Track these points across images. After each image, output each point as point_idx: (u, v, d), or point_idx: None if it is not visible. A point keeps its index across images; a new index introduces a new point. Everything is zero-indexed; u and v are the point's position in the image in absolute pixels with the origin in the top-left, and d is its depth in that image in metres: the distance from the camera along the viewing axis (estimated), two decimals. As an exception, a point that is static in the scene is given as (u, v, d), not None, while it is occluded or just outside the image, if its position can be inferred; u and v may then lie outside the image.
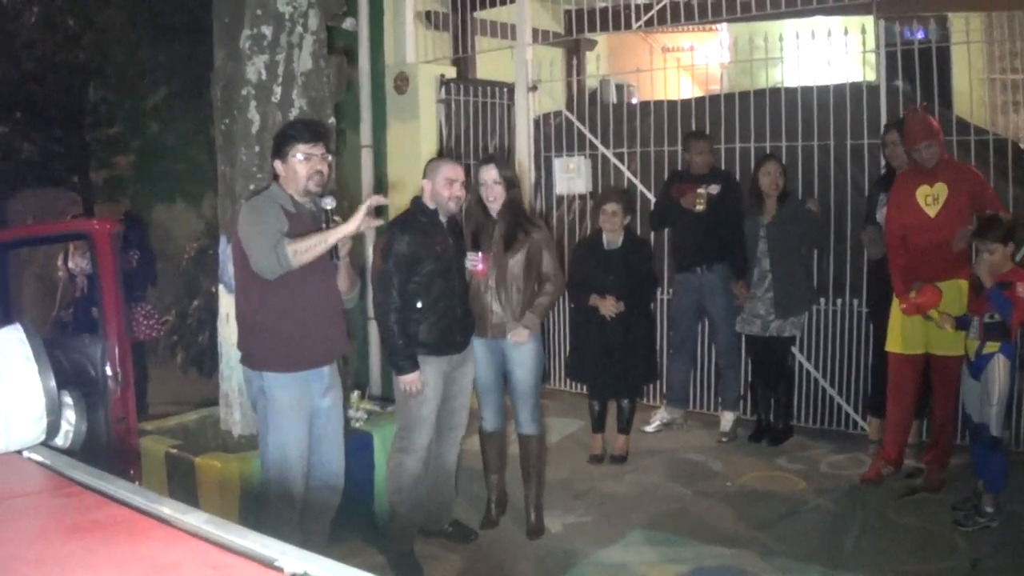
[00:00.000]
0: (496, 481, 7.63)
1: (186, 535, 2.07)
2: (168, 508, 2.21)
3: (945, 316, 7.51)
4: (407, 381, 6.56)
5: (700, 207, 9.24)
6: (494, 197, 7.01)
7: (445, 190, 6.62)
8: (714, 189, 9.30)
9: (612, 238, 8.70)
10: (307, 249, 5.41)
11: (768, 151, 9.71)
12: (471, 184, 7.13)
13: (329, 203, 5.72)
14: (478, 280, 7.03)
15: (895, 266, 8.03)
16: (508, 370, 7.25)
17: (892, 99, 9.35)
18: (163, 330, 11.91)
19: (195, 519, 2.12)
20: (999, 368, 7.11)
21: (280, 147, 5.79)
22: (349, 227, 5.48)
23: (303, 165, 5.70)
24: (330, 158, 5.95)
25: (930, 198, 7.81)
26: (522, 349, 7.11)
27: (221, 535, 2.01)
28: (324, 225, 5.68)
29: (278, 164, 5.80)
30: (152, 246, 11.73)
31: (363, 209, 5.46)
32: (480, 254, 6.93)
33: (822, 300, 9.64)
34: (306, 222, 5.70)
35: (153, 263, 11.51)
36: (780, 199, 9.13)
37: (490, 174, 7.03)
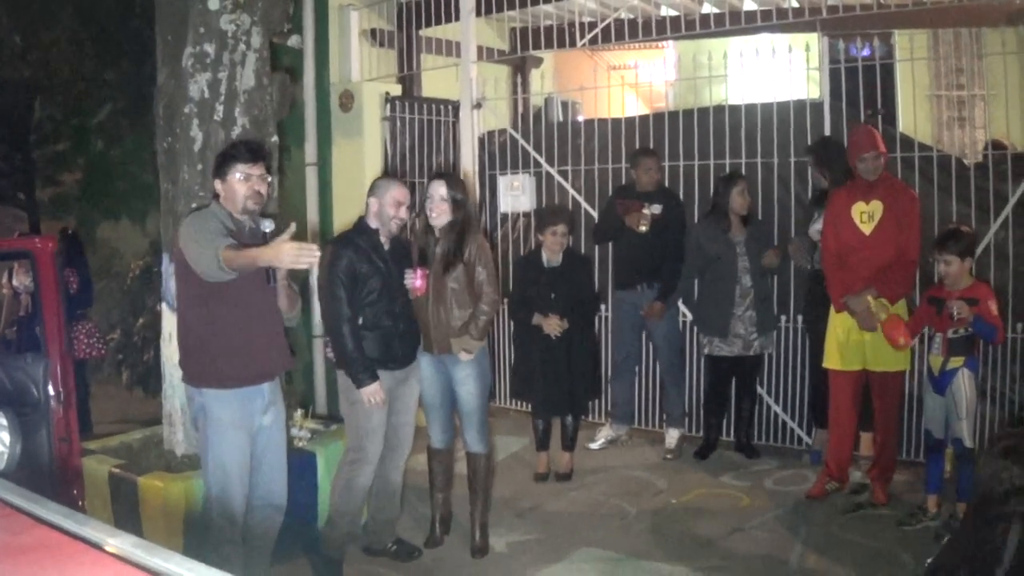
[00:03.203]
0: (441, 499, 7.61)
1: (113, 559, 2.07)
2: (96, 531, 2.21)
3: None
4: (369, 392, 6.57)
5: (644, 228, 9.23)
6: (437, 213, 6.99)
7: (391, 209, 6.67)
8: (656, 209, 9.28)
9: (552, 256, 8.68)
10: (236, 256, 5.35)
11: (713, 169, 9.76)
12: (419, 201, 7.13)
13: (268, 226, 5.73)
14: (420, 297, 7.05)
15: (831, 281, 8.07)
16: (454, 389, 7.26)
17: (836, 116, 9.39)
18: (106, 349, 11.84)
19: (122, 543, 2.12)
20: (965, 382, 7.20)
21: (220, 166, 5.83)
22: (277, 257, 5.38)
23: (242, 184, 5.72)
24: (270, 178, 5.94)
25: (865, 215, 7.83)
26: (466, 368, 7.13)
27: (147, 559, 2.02)
28: None
29: (218, 183, 5.82)
30: (88, 265, 11.64)
31: (294, 247, 5.37)
32: (418, 270, 6.92)
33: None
34: (245, 240, 5.69)
35: (90, 282, 11.43)
36: (744, 217, 9.17)
37: (439, 190, 7.02)
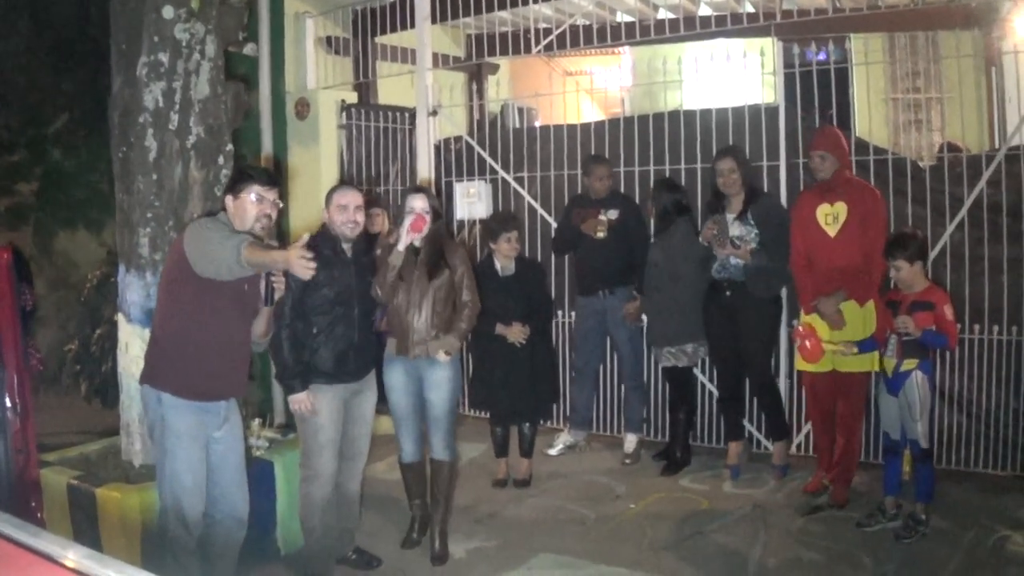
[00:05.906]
0: (419, 504, 7.66)
1: (66, 570, 2.07)
2: (49, 543, 2.20)
3: (846, 344, 7.65)
4: (296, 400, 6.58)
5: (601, 234, 9.28)
6: (421, 226, 7.02)
7: (338, 216, 6.65)
8: (613, 215, 9.34)
9: (506, 264, 8.68)
10: (255, 252, 5.31)
11: (668, 174, 9.76)
12: (393, 212, 7.11)
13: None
14: (398, 302, 7.11)
15: (800, 283, 8.19)
16: (424, 394, 7.28)
17: (791, 120, 9.43)
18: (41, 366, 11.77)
19: (76, 554, 2.12)
20: (918, 384, 7.22)
21: (235, 184, 5.81)
22: (289, 262, 5.37)
23: (255, 206, 5.70)
24: (280, 205, 5.91)
25: (830, 217, 7.92)
26: (439, 372, 7.18)
27: (100, 570, 2.01)
28: (262, 281, 5.75)
29: (229, 199, 5.80)
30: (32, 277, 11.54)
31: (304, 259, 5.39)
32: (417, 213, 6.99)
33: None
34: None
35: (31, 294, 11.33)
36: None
37: (420, 203, 7.06)
